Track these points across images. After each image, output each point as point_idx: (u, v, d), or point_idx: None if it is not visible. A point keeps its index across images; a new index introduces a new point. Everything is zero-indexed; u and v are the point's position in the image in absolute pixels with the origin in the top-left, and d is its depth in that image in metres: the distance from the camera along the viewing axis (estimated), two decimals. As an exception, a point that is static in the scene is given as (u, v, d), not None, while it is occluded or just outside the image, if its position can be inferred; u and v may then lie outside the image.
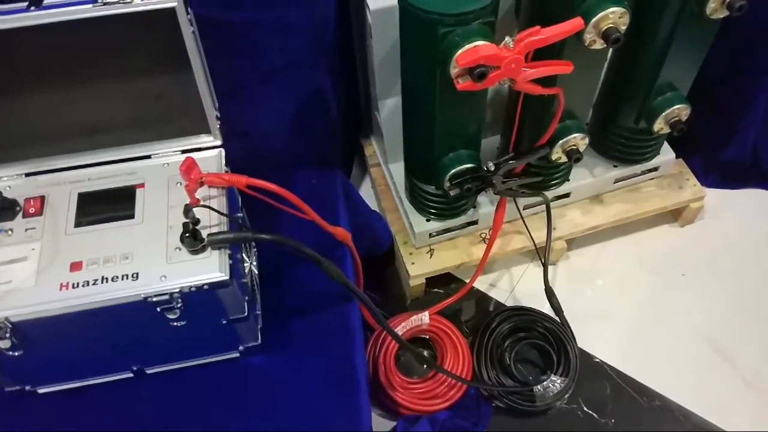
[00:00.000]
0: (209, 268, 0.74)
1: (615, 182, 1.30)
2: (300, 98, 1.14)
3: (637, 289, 1.30)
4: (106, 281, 0.73)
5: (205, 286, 0.74)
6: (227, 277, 0.74)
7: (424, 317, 1.20)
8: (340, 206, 1.07)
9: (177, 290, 0.73)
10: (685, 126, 1.14)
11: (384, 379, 1.14)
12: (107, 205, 0.79)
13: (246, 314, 0.82)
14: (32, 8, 0.71)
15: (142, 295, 0.73)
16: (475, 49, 0.82)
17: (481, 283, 1.33)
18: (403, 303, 1.31)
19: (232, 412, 0.87)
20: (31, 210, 0.79)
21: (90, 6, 0.71)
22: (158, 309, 0.75)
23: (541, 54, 0.87)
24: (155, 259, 0.75)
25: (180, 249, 0.75)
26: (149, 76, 0.80)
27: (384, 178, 1.35)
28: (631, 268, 1.34)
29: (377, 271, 1.32)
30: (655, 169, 1.31)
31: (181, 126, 0.84)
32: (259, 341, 0.90)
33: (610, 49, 1.13)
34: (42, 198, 0.80)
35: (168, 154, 0.85)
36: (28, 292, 0.73)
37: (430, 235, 1.23)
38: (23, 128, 0.81)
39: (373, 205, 1.35)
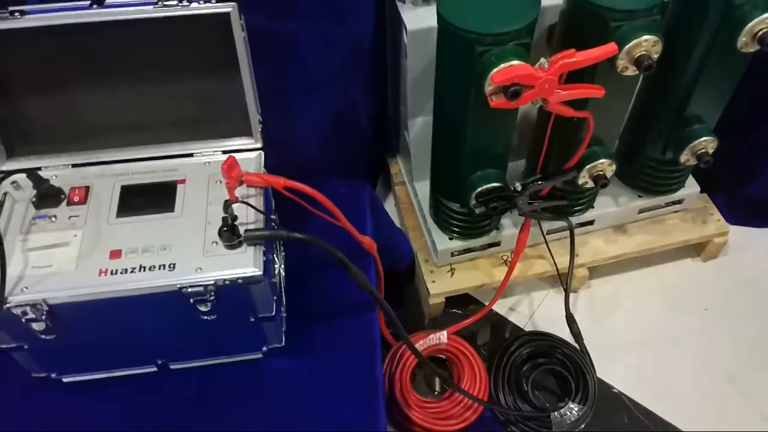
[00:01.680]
0: (244, 263, 0.79)
1: (639, 212, 1.34)
2: (334, 111, 1.20)
3: (658, 322, 1.33)
4: (144, 270, 0.78)
5: (239, 281, 0.78)
6: (261, 273, 0.78)
7: (442, 336, 1.23)
8: (366, 218, 1.11)
9: (212, 282, 0.77)
10: (711, 158, 1.18)
11: (399, 395, 1.17)
12: (149, 198, 0.85)
13: (273, 314, 0.86)
14: (94, 6, 0.77)
15: (178, 286, 0.77)
16: (510, 68, 0.87)
17: (500, 307, 1.36)
18: (422, 322, 1.34)
19: (251, 412, 0.91)
20: (76, 198, 0.85)
21: (151, 7, 0.77)
22: (191, 300, 0.79)
23: (574, 77, 0.91)
24: (192, 252, 0.80)
25: (217, 243, 0.80)
26: (198, 78, 0.86)
27: (408, 196, 1.39)
28: (652, 300, 1.36)
29: (396, 289, 1.35)
30: (680, 201, 1.35)
31: (224, 127, 0.90)
32: (283, 343, 0.93)
33: (640, 78, 1.18)
34: (87, 188, 0.86)
35: (209, 153, 0.90)
36: (68, 276, 0.78)
37: (452, 254, 1.27)
38: (73, 121, 0.88)
39: (395, 222, 1.39)
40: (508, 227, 1.28)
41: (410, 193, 1.38)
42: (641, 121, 1.23)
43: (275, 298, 0.87)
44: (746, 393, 1.22)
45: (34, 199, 0.84)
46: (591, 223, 1.32)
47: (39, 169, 0.86)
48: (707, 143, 1.17)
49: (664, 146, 1.21)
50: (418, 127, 1.26)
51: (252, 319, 0.86)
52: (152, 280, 0.77)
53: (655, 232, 1.35)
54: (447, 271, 1.29)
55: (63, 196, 0.85)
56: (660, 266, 1.41)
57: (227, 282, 0.78)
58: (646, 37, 0.91)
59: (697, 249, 1.42)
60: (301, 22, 1.02)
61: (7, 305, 0.75)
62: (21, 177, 0.85)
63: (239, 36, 0.80)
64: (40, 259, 0.79)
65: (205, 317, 0.82)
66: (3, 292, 0.74)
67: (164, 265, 0.78)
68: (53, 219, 0.83)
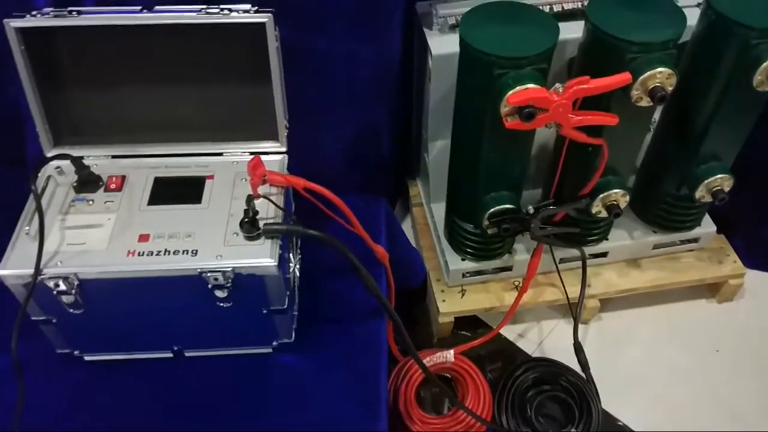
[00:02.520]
0: (261, 254, 0.86)
1: (653, 248, 1.37)
2: (356, 129, 1.27)
3: (667, 359, 1.35)
4: (169, 253, 0.85)
5: (255, 270, 0.85)
6: (276, 264, 0.84)
7: (449, 355, 1.26)
8: (381, 230, 1.17)
9: (230, 269, 0.84)
10: (726, 196, 1.21)
11: (403, 409, 1.20)
12: (178, 190, 0.93)
13: (285, 307, 0.92)
14: (144, 10, 0.87)
15: (198, 270, 0.84)
16: (526, 90, 0.93)
17: (509, 332, 1.39)
18: (430, 341, 1.38)
19: (258, 404, 0.96)
20: (112, 186, 0.93)
21: (195, 14, 0.86)
22: (209, 285, 0.86)
23: (590, 105, 0.97)
24: (214, 240, 0.87)
25: (237, 234, 0.87)
26: (232, 83, 0.94)
27: (425, 218, 1.45)
28: (663, 337, 1.38)
29: (407, 309, 1.40)
30: (695, 240, 1.38)
31: (253, 131, 0.98)
32: (293, 339, 0.99)
33: (657, 115, 1.24)
34: (123, 177, 0.95)
35: (238, 153, 0.98)
36: (99, 254, 0.85)
37: (464, 275, 1.32)
38: (116, 116, 0.97)
39: (411, 242, 1.45)
40: (521, 252, 1.32)
41: (427, 214, 1.44)
42: (658, 157, 1.27)
43: (288, 293, 0.93)
44: (753, 432, 1.24)
45: (75, 184, 0.93)
46: (604, 255, 1.36)
47: (81, 158, 0.94)
48: (723, 181, 1.21)
49: (679, 182, 1.25)
50: (438, 150, 1.32)
51: (264, 311, 0.92)
52: (175, 263, 0.84)
53: (669, 268, 1.37)
54: (458, 291, 1.34)
55: (101, 183, 0.94)
56: (673, 304, 1.43)
57: (244, 270, 0.84)
58: (660, 69, 0.96)
59: (712, 290, 1.44)
60: (331, 41, 1.11)
61: (42, 276, 0.83)
62: (65, 163, 0.94)
63: (273, 45, 0.88)
64: (75, 237, 0.87)
65: (222, 304, 0.89)
66: (39, 263, 0.82)
67: (187, 251, 0.85)
68: (90, 203, 0.91)
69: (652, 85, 0.98)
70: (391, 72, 1.23)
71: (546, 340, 1.38)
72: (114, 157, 0.97)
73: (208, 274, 0.84)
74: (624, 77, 0.96)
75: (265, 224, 0.87)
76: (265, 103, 0.95)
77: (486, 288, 1.34)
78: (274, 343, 0.99)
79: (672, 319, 1.41)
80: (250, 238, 0.87)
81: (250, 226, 0.86)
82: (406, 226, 1.55)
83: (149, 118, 0.97)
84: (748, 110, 1.14)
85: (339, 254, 0.90)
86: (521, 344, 1.38)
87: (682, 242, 1.38)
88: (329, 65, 1.14)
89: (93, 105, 0.95)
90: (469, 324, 1.38)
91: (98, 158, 0.96)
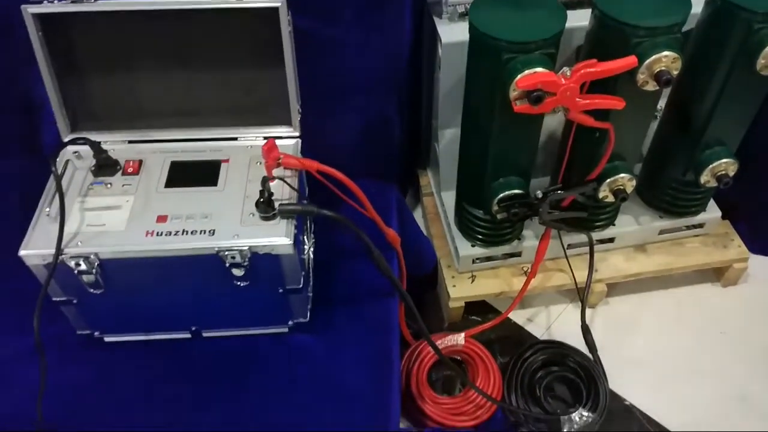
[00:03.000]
0: (277, 233, 0.85)
1: (659, 233, 1.36)
2: (368, 117, 1.26)
3: (673, 341, 1.34)
4: (186, 233, 0.85)
5: (271, 248, 0.84)
6: (291, 243, 0.84)
7: (460, 338, 1.26)
8: (392, 216, 1.17)
9: (246, 248, 0.84)
10: (731, 180, 1.20)
11: (415, 390, 1.20)
12: (195, 173, 0.93)
13: (301, 287, 0.92)
14: (157, -5, 0.87)
15: (216, 249, 0.84)
16: (535, 74, 0.92)
17: (518, 317, 1.38)
18: (441, 326, 1.37)
19: (273, 382, 0.95)
20: (130, 170, 0.93)
21: (209, -2, 0.86)
22: (227, 264, 0.85)
23: (596, 91, 0.96)
24: (231, 221, 0.87)
25: (253, 215, 0.87)
26: (246, 68, 0.94)
27: (435, 207, 1.44)
28: (669, 320, 1.37)
29: (418, 296, 1.39)
30: (701, 225, 1.37)
31: (266, 116, 0.98)
32: (308, 318, 0.98)
33: (663, 104, 1.23)
34: (140, 161, 0.95)
35: (252, 138, 0.98)
36: (118, 235, 0.85)
37: (474, 261, 1.31)
38: (131, 103, 0.97)
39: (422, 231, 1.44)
40: (530, 239, 1.31)
41: (437, 203, 1.43)
42: (664, 143, 1.26)
43: (303, 273, 0.93)
44: (758, 412, 1.22)
45: (92, 168, 0.93)
46: (611, 240, 1.35)
47: (99, 142, 0.94)
48: (727, 165, 1.19)
49: (685, 167, 1.24)
50: (448, 139, 1.31)
51: (280, 290, 0.92)
52: (193, 242, 0.84)
53: (675, 253, 1.36)
54: (468, 277, 1.33)
55: (119, 167, 0.94)
56: (679, 288, 1.42)
57: (261, 249, 0.84)
58: (666, 53, 0.95)
59: (717, 275, 1.43)
60: (342, 29, 1.10)
61: (63, 255, 0.82)
62: (83, 148, 0.94)
63: (286, 30, 0.88)
64: (94, 219, 0.87)
65: (239, 282, 0.88)
66: (60, 243, 0.82)
67: (205, 231, 0.85)
68: (109, 186, 0.91)
69: (658, 69, 0.97)
70: (401, 61, 1.22)
71: (554, 324, 1.37)
72: (131, 142, 0.97)
73: (226, 253, 0.84)
74: (630, 60, 0.95)
75: (281, 204, 0.86)
76: (279, 88, 0.94)
77: (495, 273, 1.33)
78: (290, 323, 0.99)
79: (678, 302, 1.40)
80: (265, 218, 0.86)
81: (266, 206, 0.85)
82: (417, 216, 1.54)
83: (165, 103, 0.97)
84: (752, 95, 1.13)
85: (352, 235, 0.89)
86: (530, 328, 1.37)
87: (688, 227, 1.37)
88: (340, 53, 1.13)
89: (109, 90, 0.95)
90: (479, 309, 1.37)
91: (115, 144, 0.96)
